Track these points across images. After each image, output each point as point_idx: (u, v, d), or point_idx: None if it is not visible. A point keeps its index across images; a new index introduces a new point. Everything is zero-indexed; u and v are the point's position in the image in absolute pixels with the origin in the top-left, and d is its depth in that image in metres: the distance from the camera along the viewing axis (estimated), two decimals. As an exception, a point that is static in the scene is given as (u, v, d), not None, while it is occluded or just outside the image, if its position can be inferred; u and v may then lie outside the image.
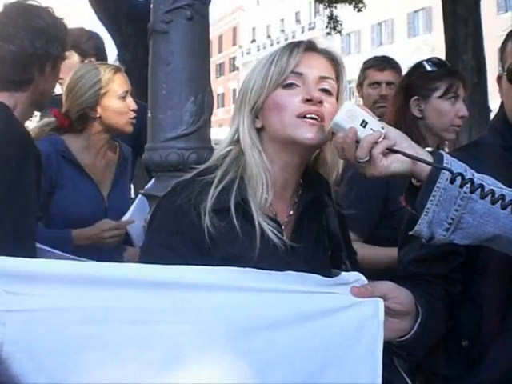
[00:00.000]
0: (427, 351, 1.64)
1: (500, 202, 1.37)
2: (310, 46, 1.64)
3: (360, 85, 3.84)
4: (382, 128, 1.44)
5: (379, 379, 1.38)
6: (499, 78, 1.89)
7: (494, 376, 1.73)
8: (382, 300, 1.44)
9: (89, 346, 1.28)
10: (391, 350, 1.52)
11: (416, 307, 1.52)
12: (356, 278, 1.48)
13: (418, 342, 1.52)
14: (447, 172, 1.38)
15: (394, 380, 1.63)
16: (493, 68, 1.85)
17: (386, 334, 1.43)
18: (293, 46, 1.61)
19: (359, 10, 15.36)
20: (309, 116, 1.56)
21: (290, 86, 1.59)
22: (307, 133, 1.55)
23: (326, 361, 1.39)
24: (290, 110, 1.57)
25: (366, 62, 3.90)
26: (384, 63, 3.82)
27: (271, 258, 1.53)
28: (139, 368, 1.29)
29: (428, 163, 1.40)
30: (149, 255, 1.57)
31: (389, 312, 1.45)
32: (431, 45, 36.73)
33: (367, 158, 1.42)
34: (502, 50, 1.86)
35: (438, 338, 1.70)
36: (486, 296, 1.75)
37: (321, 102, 1.57)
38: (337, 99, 1.64)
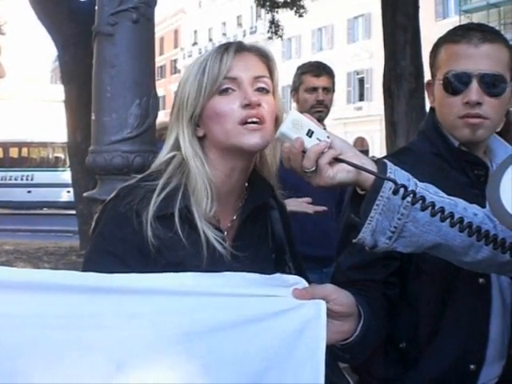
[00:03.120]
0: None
1: (439, 214, 1.38)
2: (240, 47, 1.61)
3: (295, 90, 3.91)
4: (328, 137, 1.43)
5: (322, 380, 1.38)
6: (429, 85, 1.90)
7: (429, 377, 1.77)
8: (324, 301, 1.43)
9: (22, 352, 1.26)
10: (334, 353, 1.52)
11: (358, 309, 1.52)
12: (296, 280, 1.47)
13: (361, 344, 1.52)
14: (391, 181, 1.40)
15: (337, 381, 1.66)
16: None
17: (330, 337, 1.43)
18: (222, 51, 1.58)
19: (300, 16, 15.45)
20: (250, 121, 1.55)
21: (225, 91, 1.57)
22: (251, 139, 1.54)
23: (268, 363, 1.38)
24: (231, 118, 1.55)
25: (301, 68, 3.97)
26: (320, 69, 3.90)
27: (217, 265, 1.52)
28: (79, 374, 1.28)
29: (372, 173, 1.41)
30: (92, 261, 1.55)
31: (331, 314, 1.44)
32: (370, 51, 37.31)
33: (314, 168, 1.42)
34: (433, 56, 1.87)
35: (379, 340, 1.72)
36: (421, 299, 1.79)
37: (259, 105, 1.55)
38: (273, 95, 1.63)
